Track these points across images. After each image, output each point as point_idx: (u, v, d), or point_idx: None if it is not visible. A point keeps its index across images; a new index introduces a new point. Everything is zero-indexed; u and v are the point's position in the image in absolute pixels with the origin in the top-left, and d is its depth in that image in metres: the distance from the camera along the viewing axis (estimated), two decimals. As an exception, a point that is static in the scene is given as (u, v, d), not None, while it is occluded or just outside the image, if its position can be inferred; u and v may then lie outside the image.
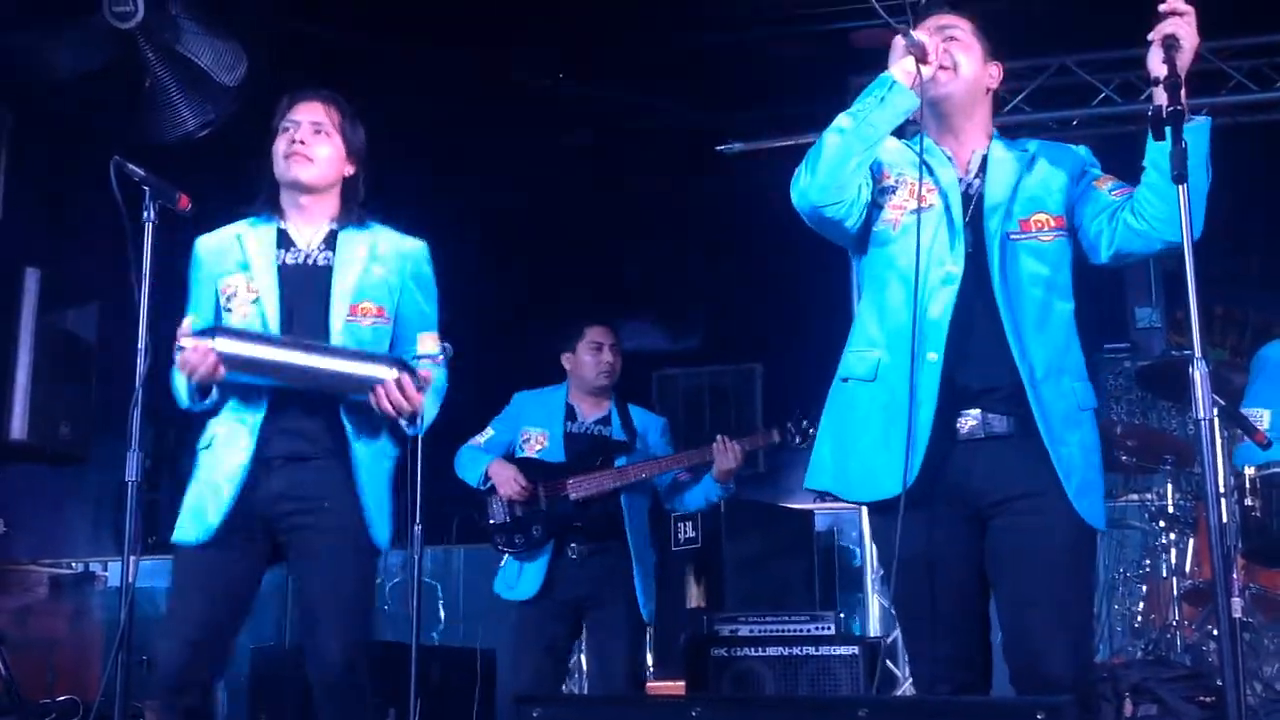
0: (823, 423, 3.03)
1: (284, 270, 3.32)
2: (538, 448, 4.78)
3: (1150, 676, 4.04)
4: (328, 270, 3.32)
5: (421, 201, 7.30)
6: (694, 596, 6.14)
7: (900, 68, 2.88)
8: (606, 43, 6.98)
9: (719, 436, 4.66)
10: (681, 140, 7.56)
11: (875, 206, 2.98)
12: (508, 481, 4.66)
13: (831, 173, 2.86)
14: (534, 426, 4.82)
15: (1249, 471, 3.90)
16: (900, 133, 3.01)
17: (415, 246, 3.45)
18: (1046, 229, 2.93)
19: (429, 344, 3.41)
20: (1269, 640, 4.95)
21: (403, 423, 3.26)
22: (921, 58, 2.86)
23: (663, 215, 8.07)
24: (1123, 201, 2.87)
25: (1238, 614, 3.93)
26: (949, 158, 3.00)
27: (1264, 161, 6.70)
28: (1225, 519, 3.96)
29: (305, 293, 3.30)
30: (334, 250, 3.35)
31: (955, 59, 2.95)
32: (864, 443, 2.89)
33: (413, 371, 3.22)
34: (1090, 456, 2.86)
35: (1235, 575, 3.97)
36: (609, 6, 6.59)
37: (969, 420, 2.83)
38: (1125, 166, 3.00)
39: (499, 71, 7.10)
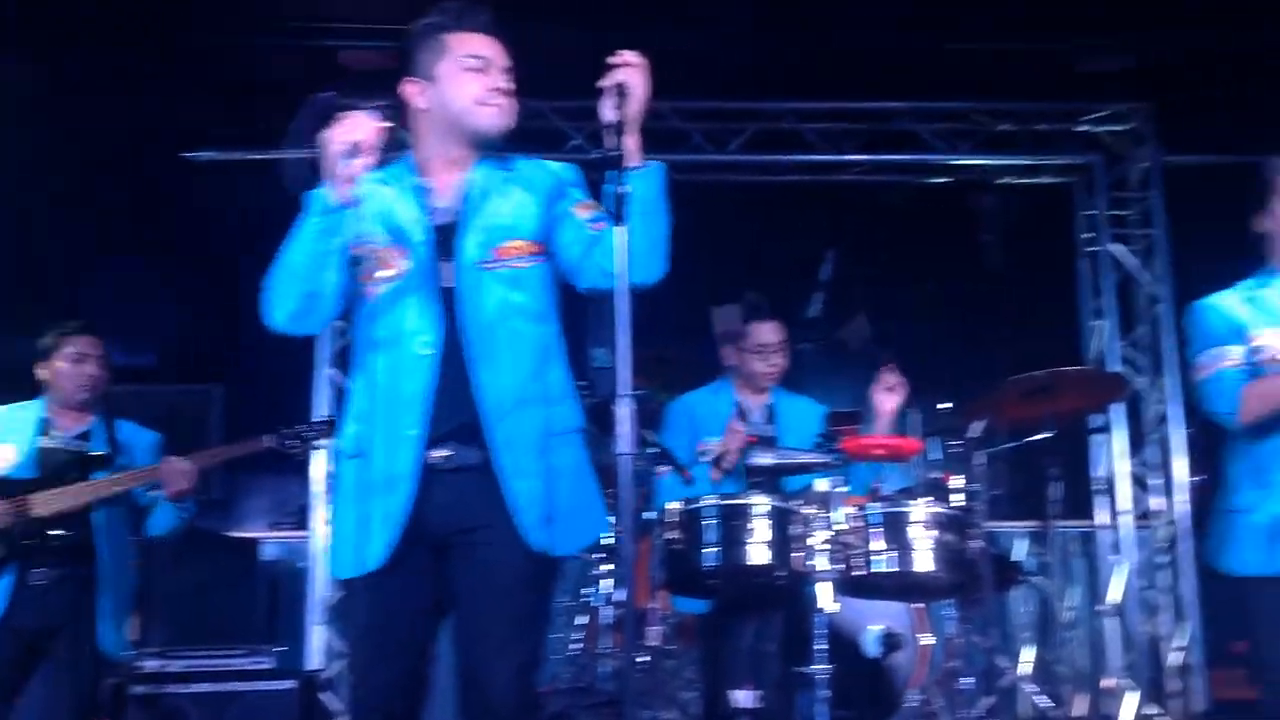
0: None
1: None
2: (4, 465, 4.33)
3: (572, 704, 4.18)
4: None
5: None
6: (128, 630, 5.74)
7: (336, 183, 2.73)
8: (84, 36, 6.46)
9: (167, 456, 4.48)
10: (150, 143, 7.12)
11: (350, 279, 2.89)
12: None
13: (302, 300, 2.82)
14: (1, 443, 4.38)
15: (673, 505, 4.12)
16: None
17: None
18: (522, 255, 2.92)
19: None
20: (690, 668, 5.26)
21: None
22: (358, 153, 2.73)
23: (125, 222, 7.55)
24: (600, 236, 2.88)
25: (657, 641, 4.15)
26: (419, 190, 2.95)
27: (720, 219, 7.22)
28: (649, 549, 4.16)
29: None
30: None
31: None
32: (346, 518, 2.84)
33: None
34: (564, 481, 2.88)
35: (657, 604, 4.18)
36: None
37: (440, 453, 2.81)
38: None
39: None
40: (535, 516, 2.82)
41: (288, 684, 4.68)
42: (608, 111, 2.75)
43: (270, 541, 6.57)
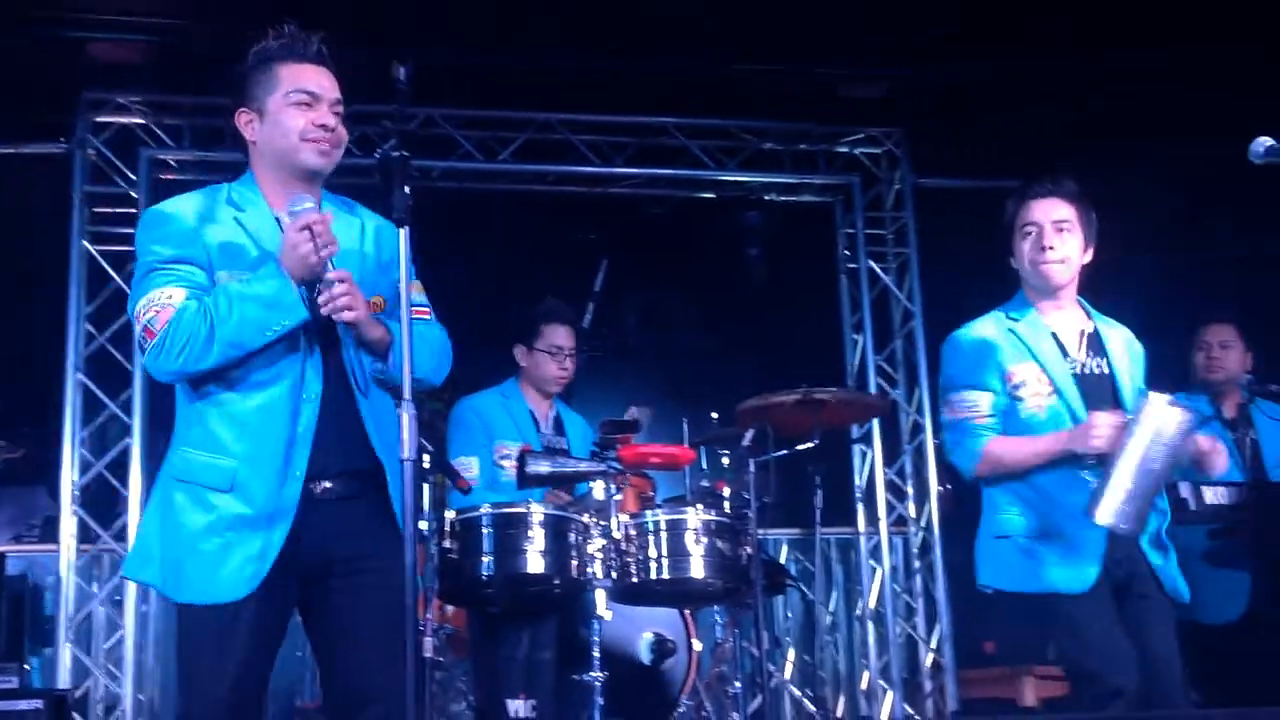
0: (151, 513, 2.91)
1: None
2: None
3: None
4: None
5: None
6: None
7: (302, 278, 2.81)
8: None
9: None
10: None
11: None
12: None
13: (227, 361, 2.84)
14: None
15: (449, 515, 4.08)
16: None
17: None
18: (380, 310, 2.96)
19: None
20: (460, 679, 5.22)
21: None
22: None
23: None
24: (418, 327, 2.91)
25: (430, 653, 4.10)
26: (279, 221, 2.93)
27: (490, 227, 7.20)
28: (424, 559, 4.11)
29: None
30: None
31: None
32: (209, 549, 2.82)
33: None
34: None
35: (430, 615, 4.13)
36: None
37: (324, 484, 2.87)
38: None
39: None
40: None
41: (34, 704, 4.42)
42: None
43: (14, 555, 6.20)
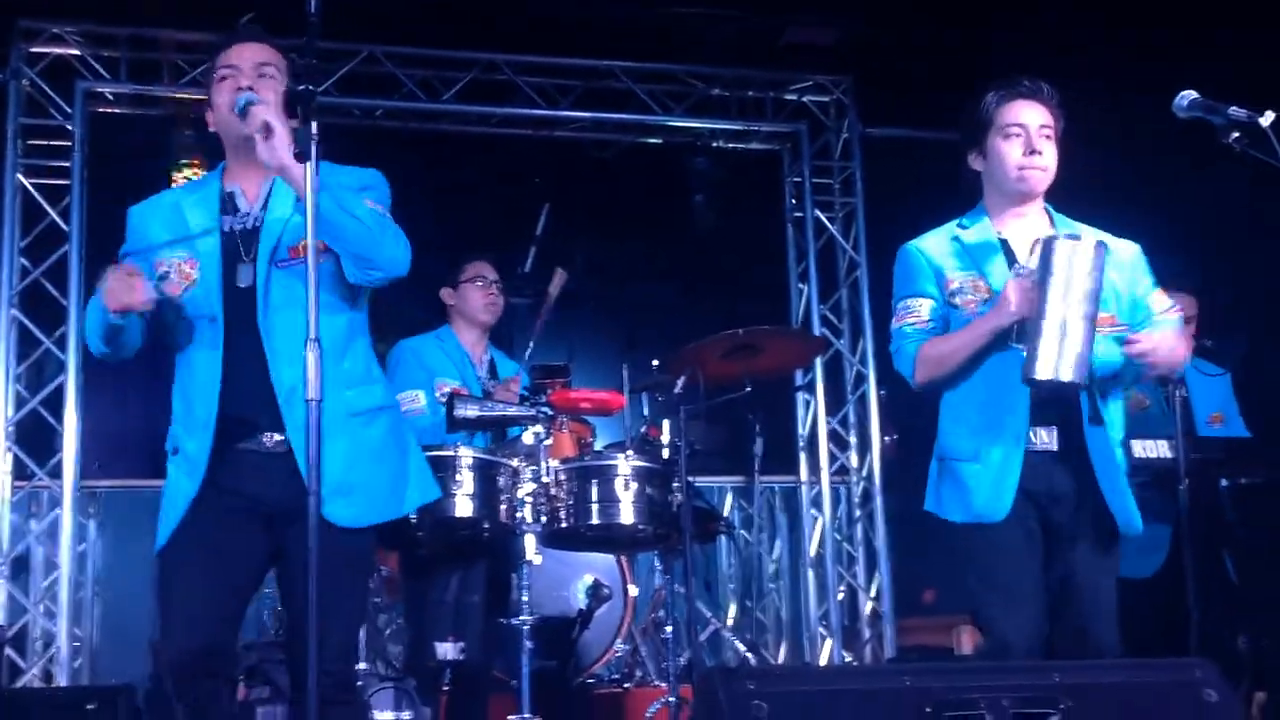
0: None
1: None
2: None
3: (267, 658, 4.09)
4: None
5: None
6: None
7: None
8: None
9: None
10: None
11: (158, 291, 3.13)
12: None
13: (109, 347, 3.16)
14: None
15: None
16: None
17: None
18: (320, 251, 2.96)
19: None
20: (398, 620, 5.21)
21: None
22: None
23: None
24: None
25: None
26: (224, 196, 3.21)
27: (432, 168, 7.13)
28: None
29: None
30: None
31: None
32: (170, 507, 3.13)
33: None
34: (362, 458, 3.12)
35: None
36: None
37: (267, 438, 3.08)
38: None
39: None
40: (330, 489, 2.92)
41: (-39, 642, 4.39)
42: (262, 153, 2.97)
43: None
